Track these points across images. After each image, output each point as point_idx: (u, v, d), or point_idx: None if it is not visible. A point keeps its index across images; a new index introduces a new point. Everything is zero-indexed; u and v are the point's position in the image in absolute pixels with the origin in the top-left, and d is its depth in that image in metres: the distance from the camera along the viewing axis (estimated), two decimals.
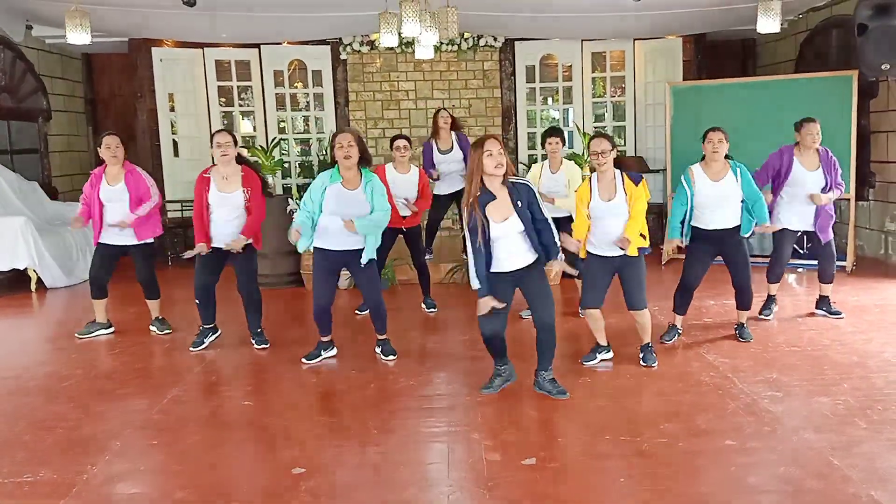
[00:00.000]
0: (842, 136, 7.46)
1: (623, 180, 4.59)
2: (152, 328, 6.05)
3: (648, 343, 4.88)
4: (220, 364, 5.23)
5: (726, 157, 5.03)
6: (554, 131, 5.99)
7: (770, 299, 5.92)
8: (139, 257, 5.91)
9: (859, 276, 7.29)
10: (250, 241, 5.34)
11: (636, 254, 4.61)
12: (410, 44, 8.88)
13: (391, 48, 8.93)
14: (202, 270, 5.39)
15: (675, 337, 5.33)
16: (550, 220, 4.15)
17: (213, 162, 5.36)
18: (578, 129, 9.06)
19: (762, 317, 5.84)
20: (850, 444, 3.58)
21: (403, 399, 4.41)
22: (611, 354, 4.94)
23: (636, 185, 4.58)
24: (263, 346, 5.49)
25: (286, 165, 9.81)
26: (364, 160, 4.86)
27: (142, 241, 5.84)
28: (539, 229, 4.13)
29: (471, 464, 3.50)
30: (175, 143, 9.76)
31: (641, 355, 4.87)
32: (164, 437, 3.93)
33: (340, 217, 4.78)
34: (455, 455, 3.60)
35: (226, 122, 10.04)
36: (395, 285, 7.39)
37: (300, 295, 7.40)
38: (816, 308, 5.92)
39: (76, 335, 5.93)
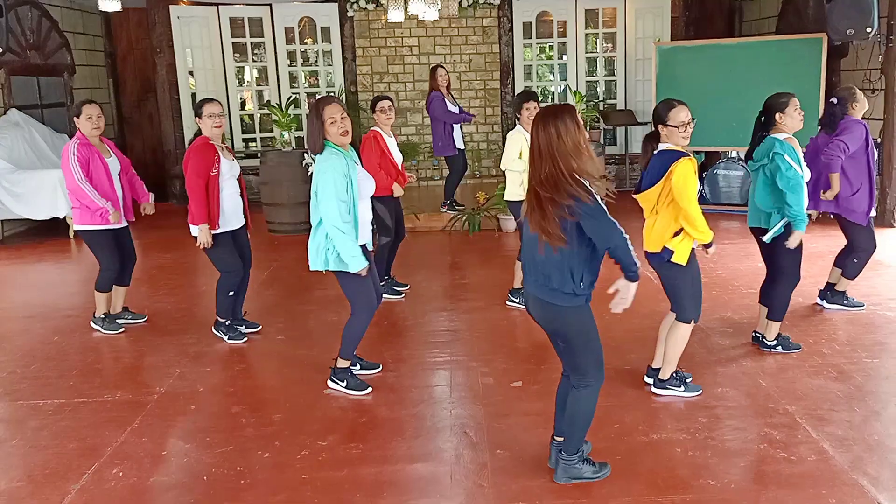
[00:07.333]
0: (813, 93, 8.09)
1: None
2: (124, 322, 5.49)
3: None
4: (251, 307, 5.85)
5: None
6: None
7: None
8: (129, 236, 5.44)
9: (822, 224, 7.97)
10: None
11: None
12: None
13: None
14: (234, 255, 4.96)
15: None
16: None
17: (199, 133, 4.93)
18: (570, 89, 9.67)
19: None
20: (779, 370, 4.38)
21: (412, 334, 5.22)
22: None
23: None
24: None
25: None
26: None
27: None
28: None
29: (468, 386, 4.31)
30: (194, 97, 10.36)
31: None
32: (215, 365, 4.73)
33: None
34: (456, 379, 4.40)
35: (240, 76, 10.64)
36: None
37: None
38: (831, 303, 5.48)
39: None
